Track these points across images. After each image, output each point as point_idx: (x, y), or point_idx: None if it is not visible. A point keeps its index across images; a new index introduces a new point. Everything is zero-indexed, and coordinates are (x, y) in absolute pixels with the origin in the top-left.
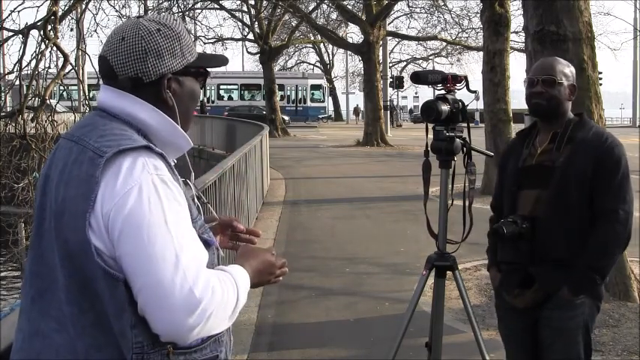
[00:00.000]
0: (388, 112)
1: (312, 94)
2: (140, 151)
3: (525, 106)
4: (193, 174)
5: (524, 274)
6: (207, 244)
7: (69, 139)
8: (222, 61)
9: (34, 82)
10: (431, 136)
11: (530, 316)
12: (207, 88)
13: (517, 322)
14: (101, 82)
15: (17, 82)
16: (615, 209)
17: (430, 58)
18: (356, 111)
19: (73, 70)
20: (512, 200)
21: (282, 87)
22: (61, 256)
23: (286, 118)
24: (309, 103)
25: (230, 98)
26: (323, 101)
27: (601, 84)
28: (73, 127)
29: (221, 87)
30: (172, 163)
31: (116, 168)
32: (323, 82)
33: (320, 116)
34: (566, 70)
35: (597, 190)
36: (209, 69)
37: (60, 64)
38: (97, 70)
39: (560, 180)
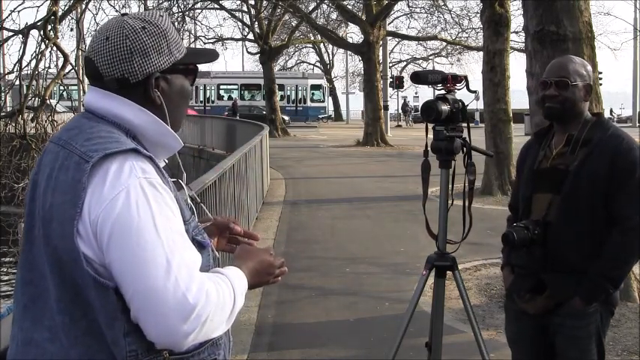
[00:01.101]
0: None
1: (312, 94)
2: (127, 154)
3: (525, 106)
4: (185, 174)
5: (536, 279)
6: (201, 245)
7: (56, 142)
8: (212, 55)
9: (34, 82)
10: (431, 136)
11: (540, 321)
12: (207, 88)
13: (526, 325)
14: (87, 82)
15: (17, 82)
16: (630, 216)
17: (430, 58)
18: None
19: (73, 70)
20: (527, 203)
21: (282, 87)
22: (50, 264)
23: (286, 118)
24: (309, 103)
25: (230, 98)
26: (323, 101)
27: (601, 84)
28: (61, 129)
29: (221, 87)
30: (162, 165)
31: (103, 173)
32: (323, 82)
33: (320, 116)
34: (581, 69)
35: (611, 193)
36: (200, 65)
37: (60, 64)
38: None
39: (572, 185)
